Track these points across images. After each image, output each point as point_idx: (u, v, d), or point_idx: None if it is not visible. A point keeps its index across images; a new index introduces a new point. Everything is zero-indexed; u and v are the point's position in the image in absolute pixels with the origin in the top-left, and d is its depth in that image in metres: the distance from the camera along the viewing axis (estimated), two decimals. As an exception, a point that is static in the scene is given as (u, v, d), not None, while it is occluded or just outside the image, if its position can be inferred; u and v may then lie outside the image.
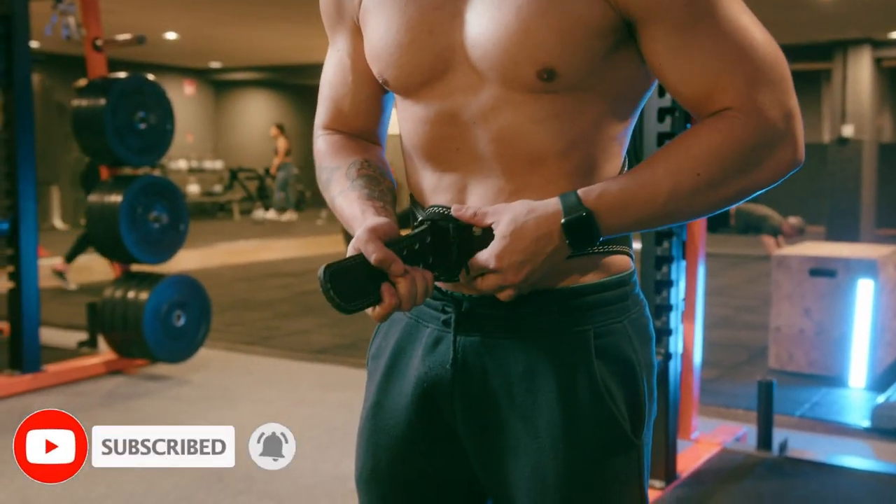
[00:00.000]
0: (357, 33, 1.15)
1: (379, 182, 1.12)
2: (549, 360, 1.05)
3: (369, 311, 0.98)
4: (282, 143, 15.06)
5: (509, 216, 0.99)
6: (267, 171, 15.53)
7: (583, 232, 0.98)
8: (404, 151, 1.14)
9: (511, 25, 0.98)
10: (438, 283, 1.09)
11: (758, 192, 1.01)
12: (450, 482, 1.14)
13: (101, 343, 5.02)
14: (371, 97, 1.18)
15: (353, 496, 1.32)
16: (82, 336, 5.26)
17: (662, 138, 2.90)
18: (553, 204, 0.99)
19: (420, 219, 1.03)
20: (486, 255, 1.00)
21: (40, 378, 4.42)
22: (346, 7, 1.14)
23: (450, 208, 1.03)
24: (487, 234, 1.01)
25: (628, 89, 1.05)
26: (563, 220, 0.98)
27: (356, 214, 1.06)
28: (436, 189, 1.09)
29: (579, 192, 0.99)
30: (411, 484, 1.14)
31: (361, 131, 1.21)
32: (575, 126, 1.03)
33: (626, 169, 1.10)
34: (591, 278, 1.06)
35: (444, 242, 1.01)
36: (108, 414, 4.06)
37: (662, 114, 2.90)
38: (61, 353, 4.91)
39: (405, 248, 0.99)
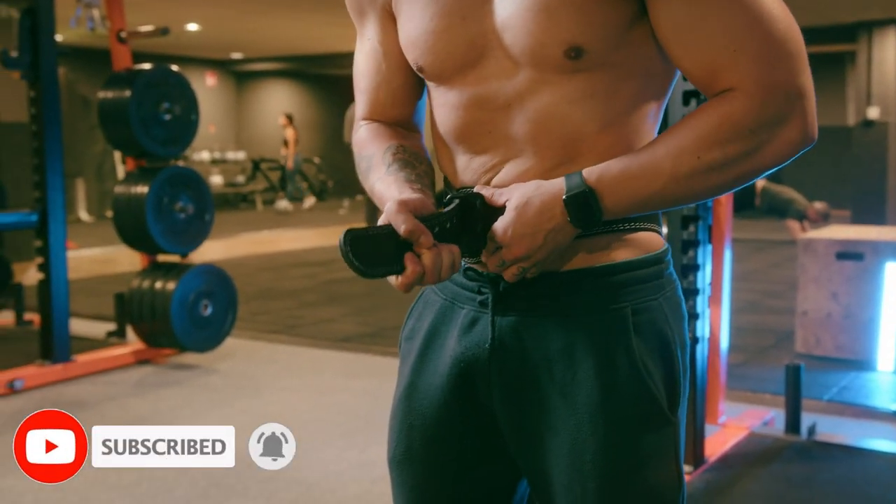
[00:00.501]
0: (388, 19, 1.15)
1: (415, 166, 1.13)
2: (587, 337, 1.05)
3: (392, 280, 0.98)
4: (290, 133, 14.98)
5: (519, 192, 1.02)
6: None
7: (583, 209, 0.99)
8: (435, 136, 1.15)
9: (534, 7, 0.99)
10: (474, 266, 1.10)
11: (766, 173, 1.00)
12: (485, 463, 1.15)
13: (130, 333, 5.07)
14: (406, 84, 1.18)
15: (381, 482, 1.32)
16: (111, 326, 5.31)
17: (687, 122, 2.88)
18: (559, 182, 1.01)
19: (449, 197, 1.05)
20: (495, 227, 1.02)
21: (70, 368, 4.47)
22: None
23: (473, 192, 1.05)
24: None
25: (658, 65, 1.05)
26: (564, 197, 0.99)
27: (394, 195, 1.05)
28: (465, 171, 1.11)
29: (584, 171, 1.00)
30: (446, 465, 1.15)
31: (398, 120, 1.21)
32: (609, 106, 1.03)
33: None
34: (624, 255, 1.07)
35: (472, 219, 1.03)
36: (137, 403, 4.11)
37: (687, 97, 2.89)
38: (90, 344, 4.96)
39: (437, 225, 1.00)
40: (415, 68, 1.12)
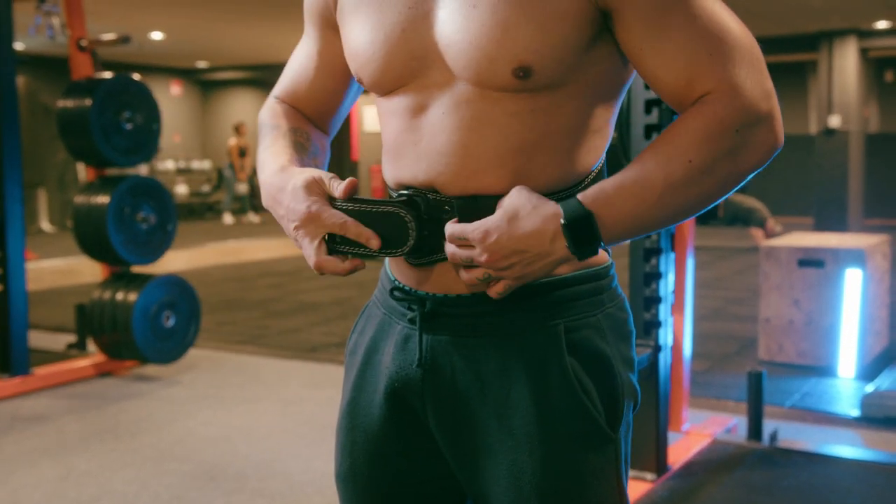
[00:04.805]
0: (330, 29, 1.17)
1: (307, 150, 1.17)
2: (520, 357, 1.03)
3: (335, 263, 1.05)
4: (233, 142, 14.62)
5: (510, 200, 0.97)
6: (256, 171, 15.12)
7: (583, 233, 0.95)
8: (382, 144, 1.13)
9: (488, 22, 0.97)
10: (404, 283, 1.09)
11: (744, 180, 0.99)
12: (428, 480, 1.13)
13: (91, 345, 5.00)
14: (328, 92, 1.22)
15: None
16: (71, 338, 5.24)
17: (650, 130, 2.90)
18: (553, 205, 0.97)
19: (393, 197, 1.04)
20: (475, 225, 0.97)
21: (29, 381, 4.40)
22: (327, 3, 1.16)
23: (422, 191, 1.03)
24: (464, 218, 1.01)
25: (606, 83, 1.04)
26: (563, 221, 0.95)
27: (288, 160, 1.12)
28: (402, 178, 1.08)
29: (578, 195, 0.97)
30: (389, 482, 1.13)
31: (310, 117, 1.24)
32: (551, 120, 1.01)
33: (604, 159, 1.09)
34: (563, 270, 1.04)
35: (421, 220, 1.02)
36: (98, 417, 4.05)
37: (649, 105, 2.91)
38: (50, 356, 4.89)
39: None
40: (356, 79, 1.12)
